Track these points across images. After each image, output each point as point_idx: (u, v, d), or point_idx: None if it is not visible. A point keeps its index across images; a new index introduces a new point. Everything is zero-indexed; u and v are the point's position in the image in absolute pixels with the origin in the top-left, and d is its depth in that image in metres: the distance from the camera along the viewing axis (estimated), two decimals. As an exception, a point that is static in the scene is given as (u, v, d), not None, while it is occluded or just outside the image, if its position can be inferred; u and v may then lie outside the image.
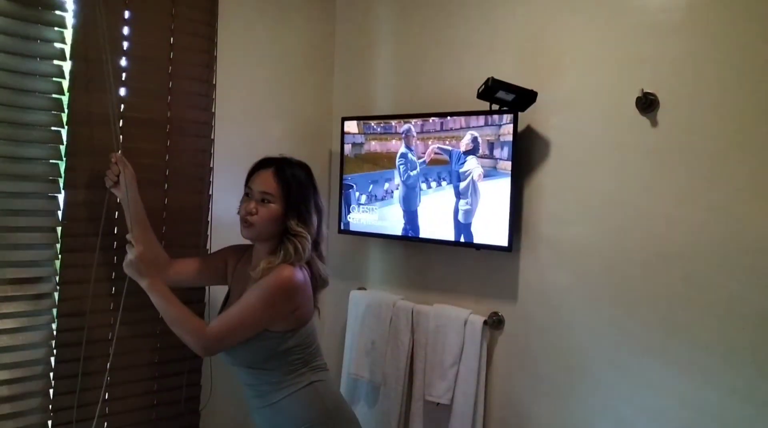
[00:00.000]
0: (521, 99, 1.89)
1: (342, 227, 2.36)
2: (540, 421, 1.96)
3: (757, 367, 1.54)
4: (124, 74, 1.87)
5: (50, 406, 1.76)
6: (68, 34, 1.75)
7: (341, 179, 2.34)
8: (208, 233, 2.08)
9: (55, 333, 1.76)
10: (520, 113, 1.91)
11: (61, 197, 1.76)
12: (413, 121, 2.14)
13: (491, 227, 1.95)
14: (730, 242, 1.59)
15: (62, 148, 1.76)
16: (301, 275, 1.67)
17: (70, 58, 1.75)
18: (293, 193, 1.69)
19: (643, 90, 1.71)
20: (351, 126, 2.31)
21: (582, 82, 1.86)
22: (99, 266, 1.82)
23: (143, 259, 1.67)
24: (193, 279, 1.87)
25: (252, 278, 1.69)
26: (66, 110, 1.75)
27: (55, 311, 1.76)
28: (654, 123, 1.73)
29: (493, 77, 1.84)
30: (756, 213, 1.55)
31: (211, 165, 2.09)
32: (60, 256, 1.76)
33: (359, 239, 2.43)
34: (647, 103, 1.71)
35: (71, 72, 1.75)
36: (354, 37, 2.51)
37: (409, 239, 2.18)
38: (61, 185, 1.76)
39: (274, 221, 1.68)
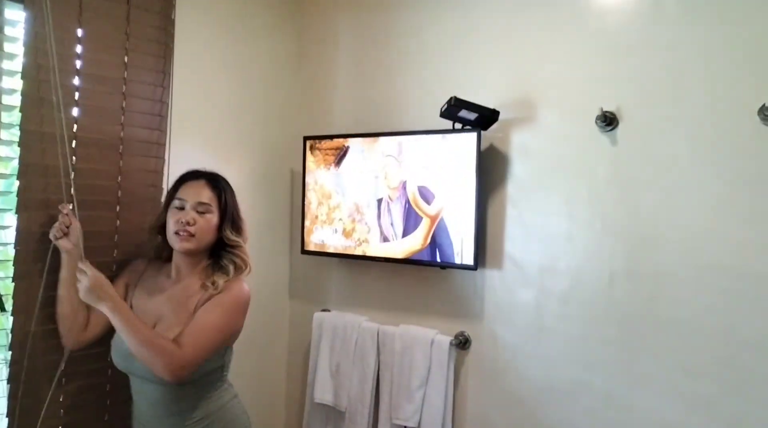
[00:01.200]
0: (484, 118, 1.90)
1: (304, 248, 2.32)
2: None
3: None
4: (76, 94, 1.80)
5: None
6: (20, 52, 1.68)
7: (303, 198, 2.31)
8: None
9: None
10: (482, 132, 1.92)
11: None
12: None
13: (456, 246, 1.94)
14: (695, 256, 1.61)
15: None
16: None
17: (22, 78, 1.68)
18: (228, 203, 1.69)
19: (602, 109, 1.73)
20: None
21: (543, 101, 1.88)
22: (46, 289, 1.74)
23: (99, 282, 1.57)
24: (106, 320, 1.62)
25: (181, 292, 1.67)
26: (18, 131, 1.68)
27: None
28: (614, 141, 1.76)
29: (455, 97, 1.84)
30: (718, 226, 1.58)
31: (163, 186, 2.02)
32: (13, 283, 1.68)
33: (321, 260, 2.39)
34: (607, 121, 1.74)
35: (22, 92, 1.68)
36: (317, 56, 2.48)
37: (373, 259, 2.15)
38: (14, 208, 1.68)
39: (213, 231, 1.67)
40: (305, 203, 2.30)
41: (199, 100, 2.16)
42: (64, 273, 1.63)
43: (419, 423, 2.01)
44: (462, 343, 2.02)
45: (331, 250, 2.25)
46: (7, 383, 1.68)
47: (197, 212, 1.64)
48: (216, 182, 1.69)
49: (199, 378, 1.62)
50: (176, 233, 1.63)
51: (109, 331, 1.64)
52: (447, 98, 1.87)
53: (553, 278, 1.86)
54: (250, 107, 2.36)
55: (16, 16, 1.70)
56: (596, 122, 1.76)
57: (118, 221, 1.90)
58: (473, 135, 1.90)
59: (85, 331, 1.68)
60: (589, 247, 1.80)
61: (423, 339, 2.04)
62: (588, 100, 1.78)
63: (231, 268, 1.67)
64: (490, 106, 1.90)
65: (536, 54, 1.91)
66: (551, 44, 1.88)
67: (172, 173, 2.00)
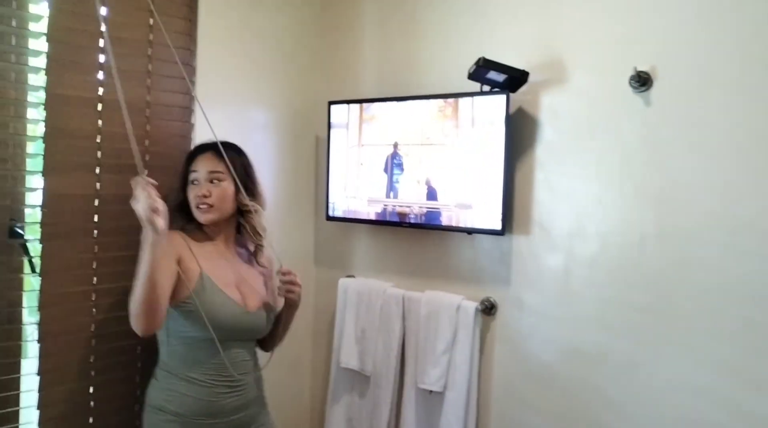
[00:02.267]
0: (513, 80, 1.85)
1: (329, 214, 2.31)
2: (536, 407, 1.93)
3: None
4: (101, 56, 1.80)
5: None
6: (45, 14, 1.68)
7: (328, 165, 2.29)
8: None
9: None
10: (511, 95, 1.87)
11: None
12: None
13: (484, 210, 1.92)
14: (730, 220, 1.57)
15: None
16: None
17: (47, 40, 1.68)
18: (238, 167, 1.70)
19: (636, 68, 1.68)
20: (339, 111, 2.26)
21: (574, 61, 1.83)
22: (80, 253, 1.76)
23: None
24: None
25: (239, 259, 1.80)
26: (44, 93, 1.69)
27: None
28: (647, 101, 1.71)
29: (484, 57, 1.79)
30: (756, 188, 1.53)
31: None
32: (41, 244, 1.70)
33: (346, 226, 2.38)
34: (641, 82, 1.69)
35: (48, 54, 1.68)
36: (341, 18, 2.44)
37: (398, 224, 2.13)
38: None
39: (230, 198, 1.71)
40: (329, 169, 2.29)
41: (224, 64, 2.14)
42: (153, 255, 1.42)
43: (444, 388, 2.01)
44: (488, 309, 2.01)
45: (356, 216, 2.24)
46: (38, 342, 1.72)
47: (211, 182, 1.69)
48: (223, 150, 1.65)
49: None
50: (197, 207, 1.69)
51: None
52: (474, 60, 1.83)
53: (581, 242, 1.83)
54: (274, 73, 2.34)
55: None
56: (629, 83, 1.71)
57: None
58: (502, 97, 1.86)
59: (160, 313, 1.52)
60: (619, 210, 1.76)
61: (448, 304, 2.03)
62: (621, 60, 1.73)
63: (251, 233, 1.77)
64: (519, 67, 1.85)
65: (567, 13, 1.85)
66: (582, 2, 1.81)
67: (198, 138, 2.00)
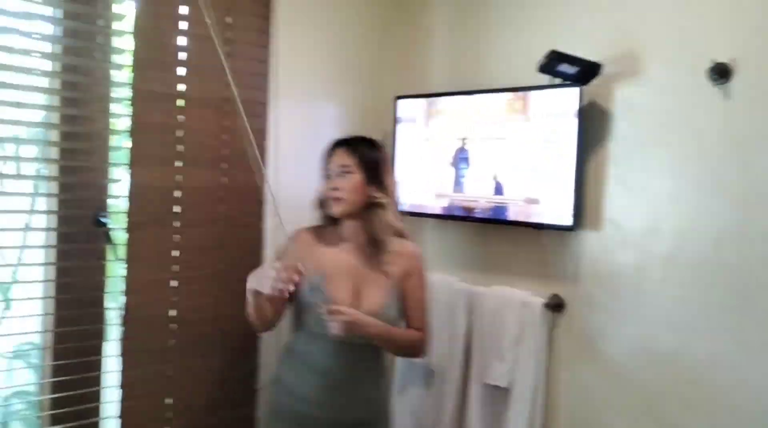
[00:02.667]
0: (584, 72, 1.82)
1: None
2: (607, 405, 1.89)
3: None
4: (181, 53, 1.88)
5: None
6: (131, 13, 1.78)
7: (393, 160, 2.31)
8: (264, 212, 2.10)
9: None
10: (583, 88, 1.85)
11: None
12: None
13: (553, 205, 1.90)
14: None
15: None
16: None
17: (134, 39, 1.77)
18: (367, 161, 1.77)
19: (714, 60, 1.63)
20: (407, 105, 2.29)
21: (650, 52, 1.79)
22: (162, 242, 1.86)
23: (356, 321, 1.65)
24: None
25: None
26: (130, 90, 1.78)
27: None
28: (727, 94, 1.65)
29: (555, 50, 1.78)
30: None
31: (267, 146, 2.09)
32: (127, 235, 1.80)
33: (412, 221, 2.39)
34: (719, 74, 1.63)
35: (134, 52, 1.77)
36: (409, 13, 2.46)
37: (465, 219, 2.13)
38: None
39: (357, 190, 1.75)
40: (395, 163, 2.31)
41: (295, 61, 2.19)
42: (256, 301, 1.65)
43: (511, 384, 2.00)
44: (556, 306, 1.98)
45: (422, 210, 2.25)
46: (122, 326, 1.81)
47: (342, 176, 1.75)
48: (355, 144, 1.79)
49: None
50: (329, 199, 1.77)
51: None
52: (544, 53, 1.81)
53: (656, 239, 1.78)
54: (343, 68, 2.38)
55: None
56: (708, 75, 1.65)
57: (225, 178, 1.99)
58: (575, 90, 1.84)
59: (275, 315, 1.74)
60: (696, 207, 1.70)
61: (515, 300, 2.02)
62: (698, 52, 1.67)
63: (378, 227, 1.77)
64: (589, 58, 1.83)
65: (642, 4, 1.81)
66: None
67: (273, 133, 2.07)
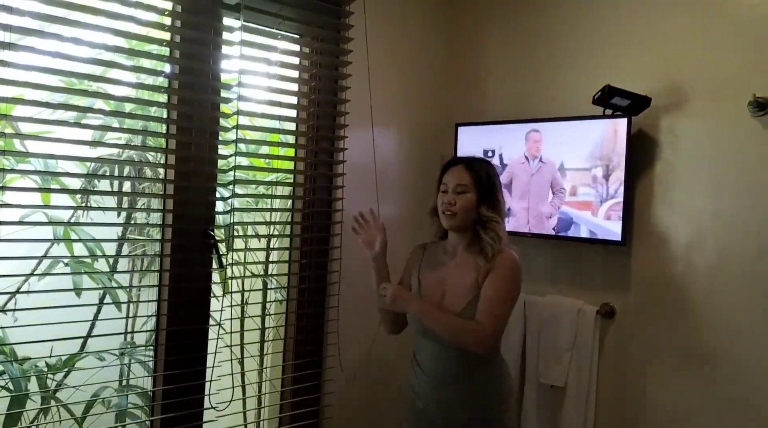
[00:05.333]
0: (635, 104, 2.05)
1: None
2: (656, 407, 2.09)
3: None
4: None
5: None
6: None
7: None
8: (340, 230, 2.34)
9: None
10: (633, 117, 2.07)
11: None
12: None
13: (605, 222, 2.12)
14: None
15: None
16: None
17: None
18: (483, 182, 1.88)
19: (755, 95, 1.84)
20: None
21: (695, 87, 2.01)
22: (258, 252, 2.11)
23: (398, 295, 1.90)
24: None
25: (453, 264, 1.92)
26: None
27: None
28: (765, 125, 1.86)
29: (609, 85, 2.00)
30: None
31: (341, 169, 2.36)
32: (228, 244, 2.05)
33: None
34: (759, 107, 1.85)
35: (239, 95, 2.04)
36: (469, 46, 2.70)
37: (521, 234, 2.36)
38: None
39: (470, 209, 1.86)
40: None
41: (364, 89, 2.36)
42: (376, 282, 1.97)
43: (566, 383, 2.21)
44: (607, 314, 2.19)
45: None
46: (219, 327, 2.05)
47: (456, 193, 1.86)
48: (471, 165, 1.89)
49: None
50: (442, 212, 1.89)
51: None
52: (595, 85, 2.03)
53: (700, 254, 1.99)
54: (406, 96, 2.61)
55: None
56: (748, 108, 1.87)
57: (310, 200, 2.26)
58: (623, 121, 2.06)
59: (396, 321, 2.02)
60: (737, 225, 1.91)
61: (569, 308, 2.23)
62: (740, 87, 1.89)
63: (488, 241, 1.83)
64: (639, 92, 2.05)
65: (687, 41, 2.04)
66: (702, 31, 2.00)
67: (348, 156, 2.31)
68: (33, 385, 1.97)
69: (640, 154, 2.11)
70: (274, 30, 2.13)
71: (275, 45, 2.16)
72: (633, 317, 2.15)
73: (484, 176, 1.88)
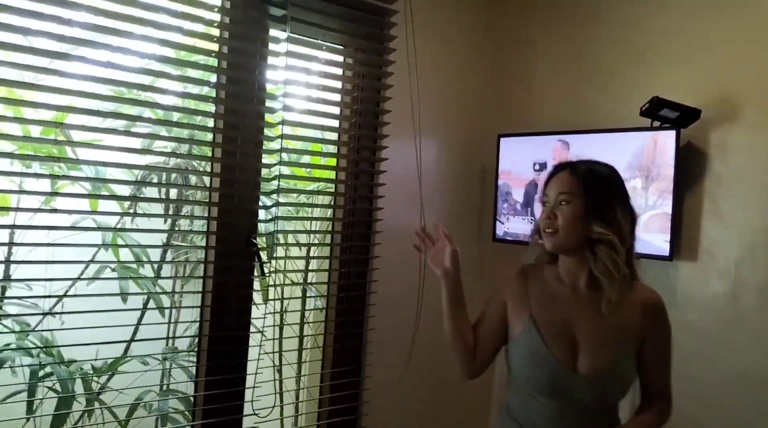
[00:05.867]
0: (684, 116, 2.01)
1: (496, 236, 2.54)
2: (699, 425, 2.03)
3: None
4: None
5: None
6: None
7: (496, 188, 2.53)
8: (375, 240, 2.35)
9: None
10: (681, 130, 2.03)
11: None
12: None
13: (651, 236, 2.07)
14: None
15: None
16: None
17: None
18: (592, 188, 1.43)
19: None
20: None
21: (745, 99, 1.96)
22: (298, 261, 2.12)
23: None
24: (492, 344, 1.60)
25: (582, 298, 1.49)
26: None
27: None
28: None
29: (658, 97, 1.97)
30: None
31: (379, 179, 2.36)
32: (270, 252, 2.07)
33: (512, 248, 2.58)
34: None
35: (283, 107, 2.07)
36: (512, 57, 2.69)
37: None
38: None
39: (576, 222, 1.43)
40: (497, 195, 2.52)
41: (405, 99, 2.34)
42: (444, 304, 1.60)
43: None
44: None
45: (518, 238, 2.45)
46: (260, 333, 2.06)
47: (560, 205, 1.45)
48: (577, 168, 1.47)
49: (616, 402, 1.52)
50: (544, 231, 1.48)
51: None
52: (642, 97, 2.01)
53: (751, 269, 1.93)
54: (448, 107, 2.61)
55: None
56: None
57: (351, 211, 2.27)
58: (672, 133, 2.02)
59: (474, 360, 1.59)
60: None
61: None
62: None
63: (599, 273, 1.43)
64: (688, 103, 2.01)
65: (738, 52, 1.99)
66: (752, 43, 1.95)
67: (383, 165, 2.32)
68: (78, 387, 2.01)
69: (688, 167, 2.07)
70: (318, 41, 2.15)
71: (319, 56, 2.18)
72: (679, 333, 2.03)
73: (592, 180, 1.45)
